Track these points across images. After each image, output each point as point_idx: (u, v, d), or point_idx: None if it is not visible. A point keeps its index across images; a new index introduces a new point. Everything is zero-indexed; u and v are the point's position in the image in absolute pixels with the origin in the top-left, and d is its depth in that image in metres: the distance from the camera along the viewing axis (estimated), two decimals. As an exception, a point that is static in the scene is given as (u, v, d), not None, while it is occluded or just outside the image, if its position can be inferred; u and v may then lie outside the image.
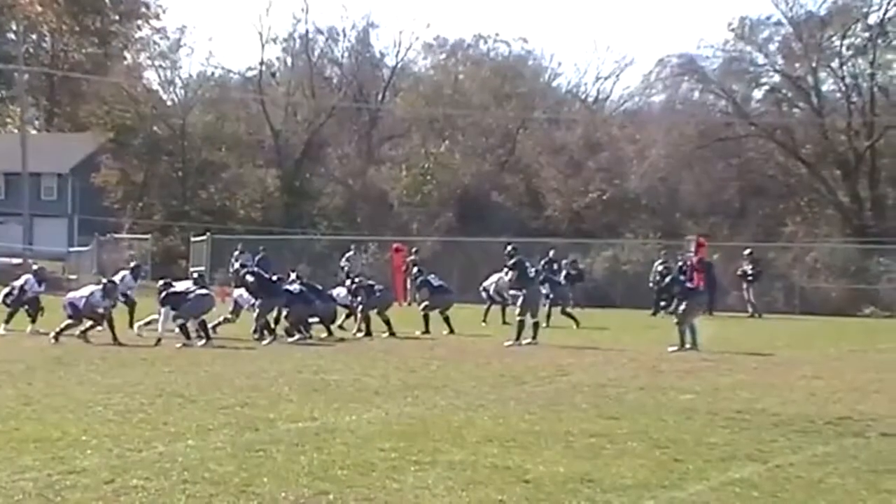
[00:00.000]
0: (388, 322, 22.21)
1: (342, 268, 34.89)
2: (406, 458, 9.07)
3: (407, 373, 15.53)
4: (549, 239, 37.06)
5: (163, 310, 19.92)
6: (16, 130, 60.95)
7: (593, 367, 16.82)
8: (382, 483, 8.17)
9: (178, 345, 19.05)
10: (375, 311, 22.41)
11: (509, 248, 21.89)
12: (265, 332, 20.50)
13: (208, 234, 41.65)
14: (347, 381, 14.25)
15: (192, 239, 43.42)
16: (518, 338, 20.15)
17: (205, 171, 56.50)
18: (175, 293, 20.04)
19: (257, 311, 20.77)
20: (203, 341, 19.27)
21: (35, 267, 25.07)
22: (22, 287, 22.66)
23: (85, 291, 20.38)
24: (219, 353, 18.12)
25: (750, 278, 33.20)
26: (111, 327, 19.56)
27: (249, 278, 21.50)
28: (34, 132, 66.10)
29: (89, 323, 19.72)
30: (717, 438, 10.31)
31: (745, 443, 10.13)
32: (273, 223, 50.30)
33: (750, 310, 32.56)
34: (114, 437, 9.80)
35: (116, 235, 47.36)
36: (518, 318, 20.48)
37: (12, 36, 68.13)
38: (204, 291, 20.46)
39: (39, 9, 63.09)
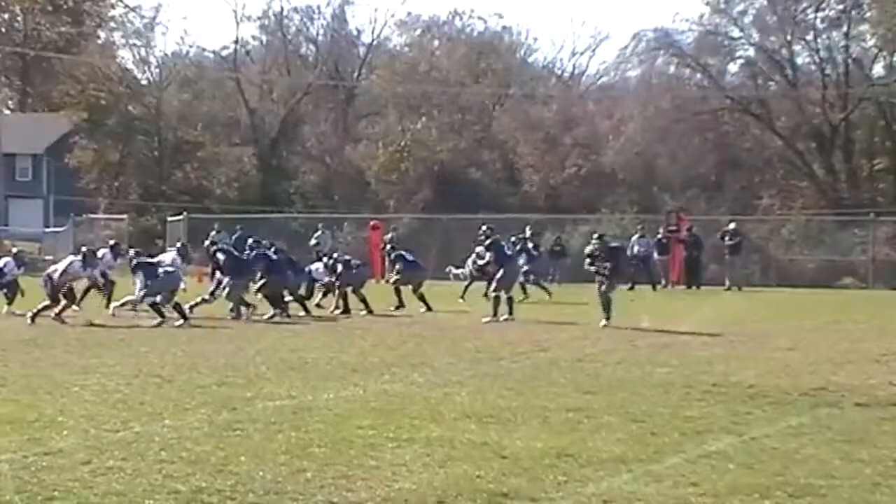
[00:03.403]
0: (364, 300, 22.20)
1: (313, 246, 34.85)
2: (384, 435, 9.09)
3: (384, 350, 15.56)
4: (526, 215, 37.12)
5: (137, 280, 19.85)
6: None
7: (570, 342, 16.88)
8: (360, 460, 8.19)
9: (154, 323, 18.95)
10: (351, 288, 22.41)
11: (484, 227, 22.00)
12: (241, 307, 20.48)
13: (185, 213, 41.48)
14: (325, 360, 14.26)
15: (169, 219, 43.23)
16: (495, 314, 20.21)
17: (181, 151, 56.22)
18: (147, 263, 20.09)
19: (228, 289, 20.73)
20: (180, 321, 19.12)
21: (15, 250, 24.90)
22: (1, 270, 22.53)
23: (63, 263, 20.35)
24: (196, 332, 18.09)
25: (727, 251, 33.38)
26: (108, 296, 19.73)
27: (220, 256, 21.43)
28: (7, 112, 65.62)
29: (64, 303, 19.64)
30: (694, 411, 10.37)
31: (721, 415, 10.20)
32: (250, 202, 50.14)
33: (727, 283, 32.73)
34: (90, 418, 9.78)
35: (92, 216, 47.10)
36: (493, 295, 20.61)
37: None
38: (171, 269, 20.40)
39: (11, -13, 62.60)
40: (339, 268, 22.50)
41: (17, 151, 58.55)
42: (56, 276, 19.90)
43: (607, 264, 19.40)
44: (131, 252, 21.24)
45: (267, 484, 7.51)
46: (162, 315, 19.12)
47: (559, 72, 64.13)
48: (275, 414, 10.07)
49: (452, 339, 17.08)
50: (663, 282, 33.29)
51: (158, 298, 19.36)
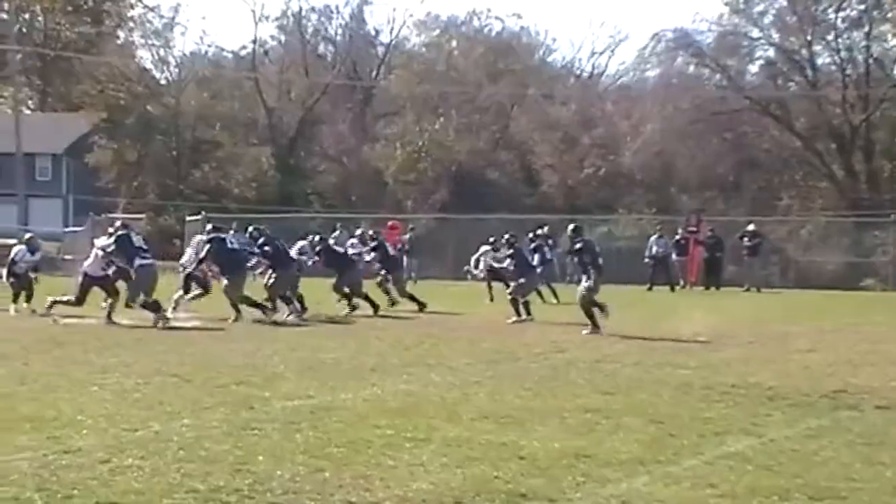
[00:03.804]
0: (367, 298, 22.13)
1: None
2: (401, 435, 9.05)
3: (402, 350, 15.53)
4: (543, 215, 37.06)
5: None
6: (9, 111, 60.75)
7: (588, 343, 16.83)
8: (378, 460, 8.16)
9: (159, 324, 18.54)
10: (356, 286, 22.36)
11: (507, 236, 21.95)
12: (285, 303, 20.44)
13: (203, 213, 41.55)
14: (343, 360, 14.24)
15: (188, 218, 43.33)
16: (518, 314, 20.24)
17: (199, 150, 56.38)
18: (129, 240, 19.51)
19: (273, 281, 20.69)
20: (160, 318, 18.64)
21: (27, 236, 23.67)
22: (13, 259, 22.08)
23: (89, 261, 20.17)
24: (213, 332, 18.09)
25: (745, 252, 33.27)
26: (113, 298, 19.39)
27: (268, 248, 21.20)
28: (27, 112, 65.88)
29: (110, 300, 19.43)
30: (712, 413, 10.32)
31: (740, 417, 10.14)
32: (267, 202, 50.21)
33: (746, 284, 32.63)
34: (109, 417, 9.76)
35: (111, 215, 47.23)
36: (511, 297, 20.66)
37: (4, 16, 67.96)
38: (148, 262, 19.44)
39: (31, -12, 62.82)
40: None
41: (37, 151, 58.82)
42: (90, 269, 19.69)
43: (587, 259, 18.42)
44: (117, 224, 20.57)
45: (285, 483, 7.49)
46: (157, 311, 18.73)
47: (578, 72, 64.14)
48: (293, 413, 10.05)
49: (469, 340, 17.06)
50: (682, 282, 33.21)
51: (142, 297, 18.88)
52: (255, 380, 12.16)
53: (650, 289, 30.14)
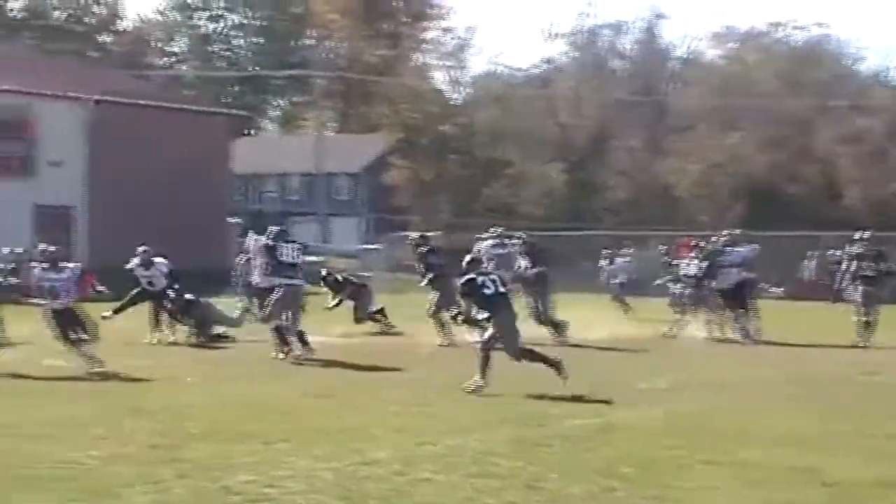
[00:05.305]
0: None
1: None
2: (694, 456, 8.73)
3: (690, 369, 15.02)
4: (843, 232, 35.21)
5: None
6: (313, 133, 63.79)
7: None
8: (671, 481, 7.89)
9: (278, 355, 15.69)
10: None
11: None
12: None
13: (494, 230, 41.88)
14: (632, 380, 13.81)
15: (477, 237, 43.77)
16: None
17: (491, 168, 57.16)
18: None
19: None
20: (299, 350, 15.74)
21: (141, 248, 18.77)
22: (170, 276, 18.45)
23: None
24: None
25: None
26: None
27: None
28: (331, 134, 68.89)
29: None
30: None
31: None
32: (555, 218, 50.17)
33: None
34: (400, 430, 9.87)
35: (403, 233, 48.51)
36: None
37: (310, 42, 71.55)
38: (292, 281, 15.97)
39: (335, 16, 65.66)
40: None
41: (337, 171, 61.37)
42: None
43: None
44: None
45: (578, 501, 7.37)
46: (285, 342, 15.70)
47: (887, 82, 60.75)
48: (582, 431, 9.90)
49: (768, 364, 16.19)
50: None
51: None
52: (541, 396, 11.96)
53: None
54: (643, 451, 8.88)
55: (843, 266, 20.08)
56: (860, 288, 19.11)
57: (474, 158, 57.12)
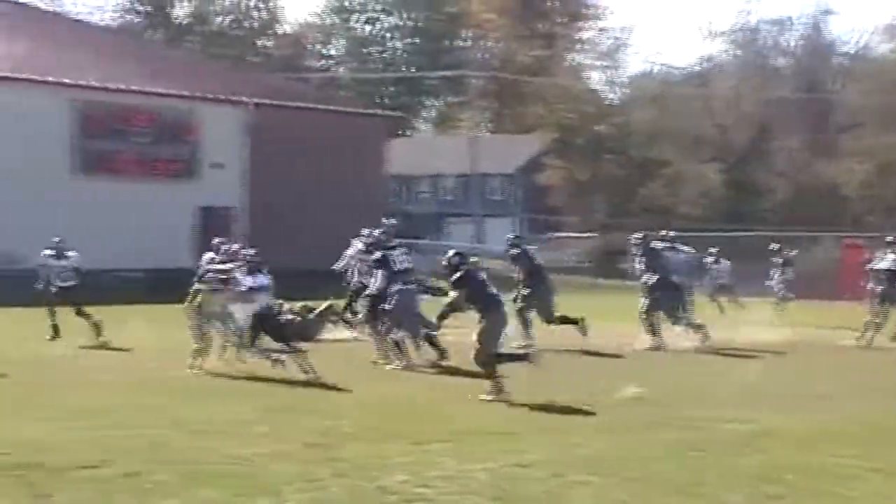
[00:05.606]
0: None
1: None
2: (864, 466, 8.35)
3: (846, 376, 14.38)
4: None
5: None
6: (467, 133, 63.87)
7: None
8: (838, 489, 7.64)
9: (390, 366, 14.61)
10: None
11: None
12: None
13: (653, 232, 41.09)
14: (783, 385, 13.29)
15: (631, 237, 43.01)
16: None
17: (647, 168, 56.29)
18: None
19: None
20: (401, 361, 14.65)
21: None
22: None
23: None
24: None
25: None
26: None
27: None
28: (485, 135, 68.91)
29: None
30: None
31: None
32: (713, 220, 48.95)
33: None
34: (546, 431, 9.76)
35: (557, 234, 48.12)
36: None
37: (465, 44, 71.70)
38: (406, 287, 15.06)
39: (491, 16, 65.63)
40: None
41: (491, 171, 61.29)
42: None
43: None
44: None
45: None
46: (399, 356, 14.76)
47: None
48: (738, 436, 9.65)
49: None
50: None
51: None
52: (696, 402, 11.55)
53: None
54: (805, 458, 8.60)
55: None
56: None
57: (630, 158, 56.36)
